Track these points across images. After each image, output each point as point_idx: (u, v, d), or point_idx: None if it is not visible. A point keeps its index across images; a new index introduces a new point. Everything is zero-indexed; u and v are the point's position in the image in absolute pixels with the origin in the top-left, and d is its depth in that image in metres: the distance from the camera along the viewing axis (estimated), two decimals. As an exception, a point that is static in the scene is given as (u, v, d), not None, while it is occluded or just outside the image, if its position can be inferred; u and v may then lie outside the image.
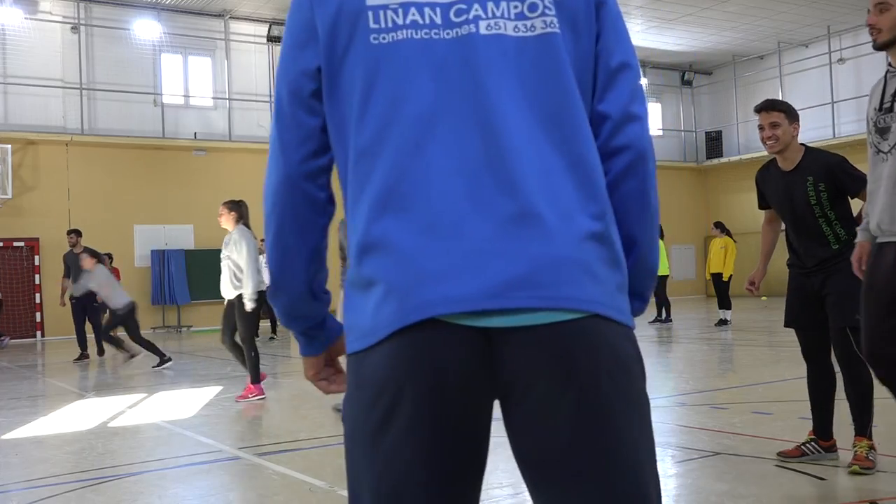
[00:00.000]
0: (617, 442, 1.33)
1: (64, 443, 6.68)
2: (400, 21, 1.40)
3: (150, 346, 11.84)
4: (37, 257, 19.64)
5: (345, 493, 4.66)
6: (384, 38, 1.41)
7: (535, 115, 1.39)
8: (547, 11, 1.43)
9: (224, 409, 8.07)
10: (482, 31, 1.40)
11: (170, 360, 11.78)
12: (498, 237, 1.32)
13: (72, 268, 13.17)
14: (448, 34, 1.40)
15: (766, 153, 4.98)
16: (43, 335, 19.48)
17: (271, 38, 23.20)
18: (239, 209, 8.49)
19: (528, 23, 1.42)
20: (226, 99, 22.78)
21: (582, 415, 1.31)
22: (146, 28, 21.62)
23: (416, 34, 1.40)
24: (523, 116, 1.39)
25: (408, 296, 1.31)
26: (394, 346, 1.32)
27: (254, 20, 23.12)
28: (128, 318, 11.78)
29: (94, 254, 12.46)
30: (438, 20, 1.41)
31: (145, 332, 17.13)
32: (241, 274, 8.21)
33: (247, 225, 8.47)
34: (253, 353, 8.37)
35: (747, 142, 27.24)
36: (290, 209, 1.51)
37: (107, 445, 6.55)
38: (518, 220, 1.32)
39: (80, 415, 8.04)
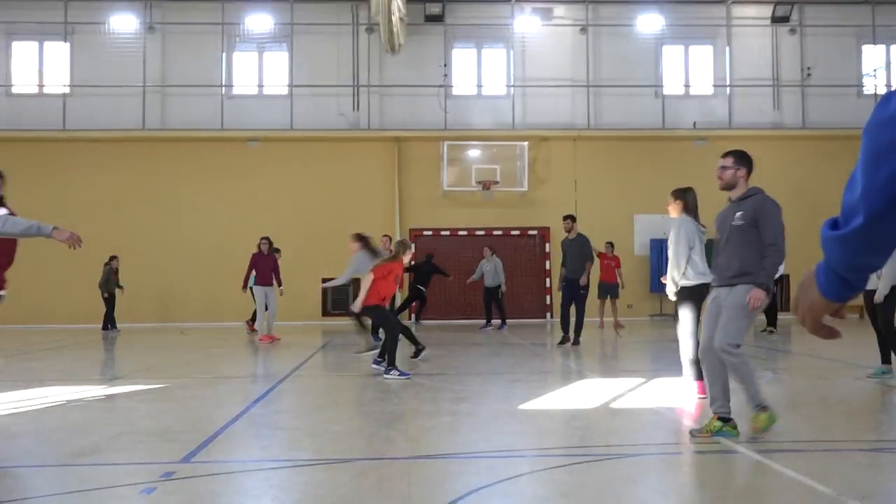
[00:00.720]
0: None
1: (571, 418, 7.19)
2: None
3: None
4: (547, 245, 21.44)
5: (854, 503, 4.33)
6: None
7: None
8: None
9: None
10: None
11: None
12: None
13: (567, 254, 13.79)
14: None
15: None
16: (552, 316, 21.21)
17: (776, 20, 22.25)
18: (685, 197, 8.24)
19: None
20: (726, 86, 22.45)
21: None
22: (649, 22, 22.25)
23: None
24: None
25: None
26: None
27: (757, 2, 22.40)
28: None
29: None
30: None
31: (643, 319, 17.57)
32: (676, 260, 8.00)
33: (692, 213, 8.17)
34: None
35: None
36: None
37: (608, 425, 6.91)
38: None
39: (583, 393, 8.55)
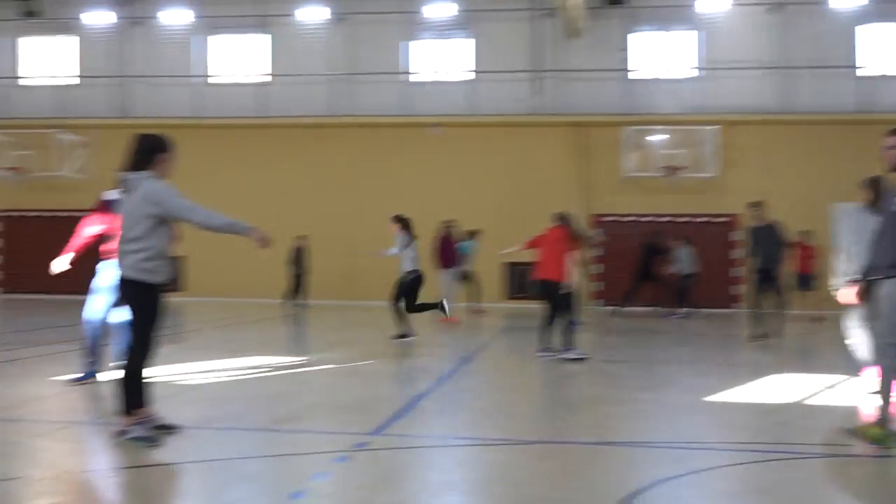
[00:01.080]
0: None
1: (764, 413, 6.88)
2: None
3: None
4: (736, 232, 20.58)
5: None
6: None
7: None
8: None
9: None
10: None
11: None
12: None
13: (759, 242, 12.91)
14: None
15: None
16: (739, 307, 20.36)
17: None
18: (871, 186, 7.62)
19: None
20: (939, 64, 20.79)
21: None
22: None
23: None
24: None
25: None
26: None
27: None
28: None
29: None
30: None
31: (843, 313, 16.45)
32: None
33: (879, 203, 7.48)
34: None
35: None
36: None
37: (806, 422, 6.57)
38: None
39: (776, 388, 8.18)
